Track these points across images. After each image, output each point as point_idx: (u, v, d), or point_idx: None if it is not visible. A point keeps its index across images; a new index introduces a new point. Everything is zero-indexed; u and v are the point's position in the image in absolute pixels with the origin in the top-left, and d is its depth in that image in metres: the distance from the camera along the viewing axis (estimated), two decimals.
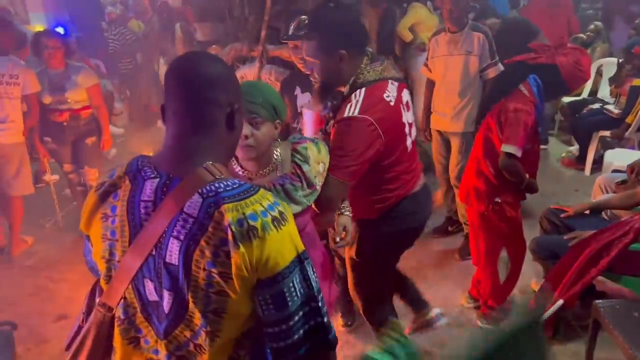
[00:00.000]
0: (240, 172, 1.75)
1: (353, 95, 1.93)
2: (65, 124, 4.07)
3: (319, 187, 1.80)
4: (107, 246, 1.12)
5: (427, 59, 3.79)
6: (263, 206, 1.04)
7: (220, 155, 1.14)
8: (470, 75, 3.49)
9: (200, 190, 1.04)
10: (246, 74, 3.65)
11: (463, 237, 3.77)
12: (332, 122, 2.01)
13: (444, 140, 3.76)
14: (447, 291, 3.34)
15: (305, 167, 1.76)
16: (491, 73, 3.43)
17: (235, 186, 1.06)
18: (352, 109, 1.88)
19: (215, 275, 1.02)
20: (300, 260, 1.07)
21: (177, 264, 1.04)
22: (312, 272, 1.10)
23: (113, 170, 1.16)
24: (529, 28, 3.70)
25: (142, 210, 1.08)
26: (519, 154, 2.54)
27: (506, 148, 2.55)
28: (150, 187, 1.09)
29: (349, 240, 2.07)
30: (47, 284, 3.66)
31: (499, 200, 2.72)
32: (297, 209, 1.73)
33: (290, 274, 1.05)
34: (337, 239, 2.03)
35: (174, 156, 1.11)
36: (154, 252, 1.06)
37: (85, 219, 1.17)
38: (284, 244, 1.05)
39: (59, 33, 4.32)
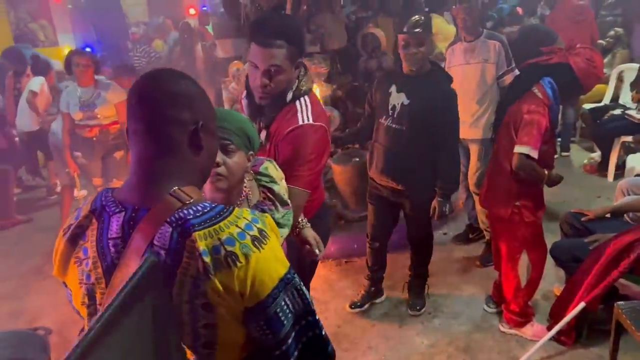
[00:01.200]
0: None
1: (297, 103, 1.92)
2: (94, 139, 4.23)
3: (290, 204, 1.71)
4: (85, 291, 1.05)
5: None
6: (240, 227, 0.97)
7: (190, 178, 1.05)
8: (487, 82, 3.53)
9: (169, 219, 0.96)
10: None
11: (484, 244, 3.78)
12: (265, 132, 1.97)
13: (463, 148, 3.80)
14: (469, 297, 3.36)
15: (275, 188, 1.66)
16: (508, 79, 3.46)
17: (206, 210, 0.98)
18: (305, 117, 1.88)
19: (199, 308, 0.94)
20: (288, 277, 1.00)
21: None
22: (301, 286, 1.03)
23: (78, 210, 1.09)
24: (546, 35, 3.76)
25: (112, 249, 1.00)
26: (534, 154, 2.56)
27: (521, 149, 2.57)
28: (116, 223, 1.01)
29: (322, 248, 1.94)
30: None
31: (519, 204, 2.74)
32: (285, 231, 1.65)
33: (281, 294, 0.98)
34: (317, 252, 1.88)
35: (137, 185, 1.03)
36: None
37: (57, 265, 1.09)
38: (268, 264, 0.97)
39: (89, 52, 4.50)
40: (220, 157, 1.45)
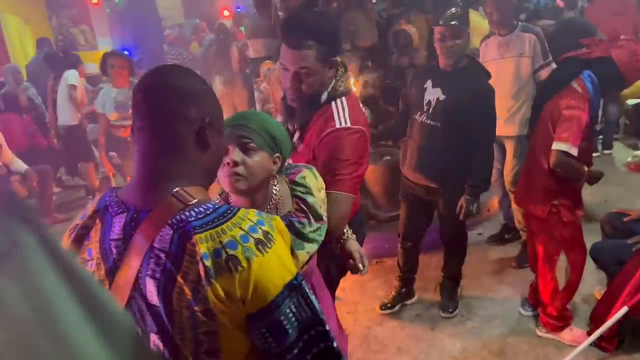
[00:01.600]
0: None
1: (333, 104, 1.82)
2: (129, 139, 4.31)
3: (325, 218, 1.57)
4: None
5: None
6: (243, 229, 0.92)
7: (195, 178, 1.01)
8: (522, 77, 3.42)
9: (170, 221, 0.93)
10: None
11: (520, 244, 3.65)
12: (298, 134, 1.89)
13: (498, 145, 3.69)
14: (503, 299, 3.25)
15: (310, 199, 1.52)
16: (544, 74, 3.35)
17: (208, 212, 0.94)
18: (342, 120, 1.78)
19: (199, 314, 0.90)
20: (295, 284, 0.95)
21: (158, 304, 0.93)
22: (310, 294, 0.98)
23: (85, 210, 1.08)
24: (585, 28, 3.62)
25: (114, 251, 0.98)
26: (573, 152, 2.45)
27: (559, 146, 2.47)
28: (118, 224, 0.99)
29: (367, 264, 1.78)
30: None
31: (557, 203, 2.63)
32: (314, 247, 1.51)
33: (285, 300, 0.93)
34: (361, 267, 1.75)
35: (140, 185, 1.01)
36: (134, 294, 0.95)
37: None
38: (272, 268, 0.92)
39: (123, 53, 4.59)
40: (239, 156, 1.39)
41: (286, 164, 1.57)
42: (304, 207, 1.51)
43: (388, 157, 3.90)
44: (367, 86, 4.10)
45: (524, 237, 3.55)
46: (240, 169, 1.38)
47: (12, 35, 9.71)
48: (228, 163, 1.37)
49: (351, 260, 1.74)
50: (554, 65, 3.32)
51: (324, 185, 1.60)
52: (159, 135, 0.99)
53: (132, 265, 0.94)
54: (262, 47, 5.41)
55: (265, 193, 1.48)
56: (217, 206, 0.96)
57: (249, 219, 0.95)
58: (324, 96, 1.82)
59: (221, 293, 0.89)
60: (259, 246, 0.92)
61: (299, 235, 1.47)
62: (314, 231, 1.51)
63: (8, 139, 5.26)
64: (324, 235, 1.54)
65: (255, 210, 0.99)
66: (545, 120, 2.60)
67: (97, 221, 1.02)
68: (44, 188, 5.41)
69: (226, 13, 10.36)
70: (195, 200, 0.96)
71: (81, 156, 5.82)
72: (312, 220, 1.51)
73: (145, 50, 9.29)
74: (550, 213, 2.64)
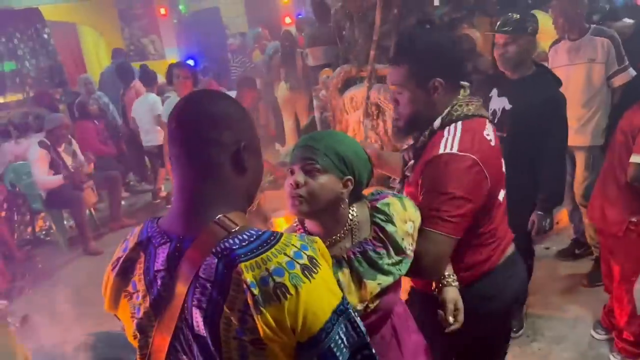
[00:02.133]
0: None
1: (447, 129, 1.58)
2: None
3: (410, 252, 1.43)
4: (136, 325, 1.02)
5: None
6: (288, 256, 0.91)
7: (235, 203, 1.01)
8: (594, 84, 3.21)
9: (214, 250, 0.92)
10: (355, 94, 3.69)
11: (592, 260, 3.43)
12: (411, 164, 1.68)
13: (568, 156, 3.48)
14: (573, 320, 3.05)
15: (389, 228, 1.40)
16: (619, 80, 3.13)
17: (252, 239, 0.93)
18: (448, 145, 1.52)
19: (248, 344, 0.89)
20: (342, 308, 0.93)
21: (205, 335, 0.92)
22: (356, 317, 0.96)
23: (126, 242, 1.08)
24: None
25: (159, 282, 0.98)
26: None
27: (637, 158, 2.30)
28: (162, 255, 0.98)
29: (461, 320, 1.54)
30: None
31: (635, 220, 2.44)
32: (388, 280, 1.38)
33: (334, 327, 0.91)
34: (450, 320, 1.52)
35: (182, 213, 1.00)
36: (181, 325, 0.95)
37: (108, 300, 1.07)
38: (320, 294, 0.91)
39: (187, 64, 4.72)
40: (302, 177, 1.35)
41: (374, 190, 1.51)
42: (382, 236, 1.40)
43: None
44: None
45: (596, 253, 3.33)
46: (302, 191, 1.35)
47: (88, 46, 10.30)
48: (291, 184, 1.35)
49: (440, 311, 1.53)
50: (631, 71, 3.09)
51: (416, 218, 1.46)
52: (195, 162, 0.99)
53: (178, 295, 0.94)
54: (321, 55, 5.40)
55: (335, 217, 1.41)
56: (260, 232, 0.95)
57: (293, 245, 0.93)
58: (437, 122, 1.60)
59: (271, 322, 0.87)
60: (306, 272, 0.90)
61: (372, 265, 1.37)
62: (392, 264, 1.39)
63: (83, 144, 5.57)
64: (404, 271, 1.42)
65: (298, 235, 0.98)
66: (624, 130, 2.43)
67: (141, 253, 1.03)
68: (114, 194, 5.67)
69: (288, 20, 10.47)
70: (238, 227, 0.95)
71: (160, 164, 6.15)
72: (392, 252, 1.39)
73: (210, 59, 9.58)
74: (627, 230, 2.45)
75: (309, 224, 1.47)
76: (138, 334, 1.03)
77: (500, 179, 1.65)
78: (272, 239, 0.94)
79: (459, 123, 1.57)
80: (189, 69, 4.40)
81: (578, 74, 3.26)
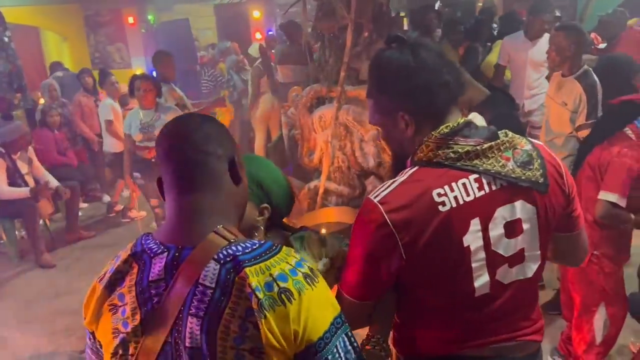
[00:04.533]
0: None
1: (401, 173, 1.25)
2: (153, 160, 4.29)
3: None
4: (119, 341, 0.97)
5: None
6: (290, 264, 0.93)
7: (230, 215, 1.03)
8: (566, 127, 3.21)
9: (215, 257, 0.92)
10: (324, 114, 3.68)
11: (554, 290, 3.46)
12: None
13: None
14: None
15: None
16: (583, 134, 3.04)
17: (255, 247, 0.95)
18: (377, 191, 1.21)
19: (245, 353, 0.88)
20: (339, 321, 0.95)
21: (199, 346, 0.89)
22: (352, 333, 0.97)
23: (117, 256, 1.04)
24: (630, 65, 3.40)
25: (153, 292, 0.95)
26: (622, 203, 2.27)
27: (606, 196, 2.29)
28: (159, 264, 0.96)
29: None
30: None
31: (598, 253, 2.46)
32: None
33: (334, 338, 0.92)
34: None
35: (180, 223, 1.00)
36: (169, 339, 0.93)
37: (91, 314, 1.02)
38: (321, 302, 0.93)
39: (151, 76, 4.63)
40: None
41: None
42: None
43: None
44: None
45: (557, 284, 3.36)
46: None
47: (51, 51, 10.02)
48: None
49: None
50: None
51: (337, 254, 1.36)
52: (192, 174, 1.00)
53: (173, 304, 0.92)
54: (291, 73, 5.40)
55: None
56: (261, 242, 0.97)
57: (294, 256, 0.96)
58: (408, 161, 1.29)
59: (275, 327, 0.87)
60: (308, 280, 0.92)
61: None
62: None
63: (40, 154, 5.35)
64: None
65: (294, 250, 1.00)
66: (592, 166, 2.43)
67: (134, 264, 1.00)
68: (72, 204, 5.46)
69: (258, 36, 10.47)
70: (238, 238, 0.97)
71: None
72: None
73: (179, 71, 9.42)
74: (590, 263, 2.48)
75: None
76: (120, 351, 0.97)
77: (457, 257, 1.19)
78: (274, 248, 0.96)
79: (412, 170, 1.22)
80: (152, 82, 4.32)
81: (554, 112, 3.28)
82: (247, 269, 0.90)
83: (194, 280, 0.91)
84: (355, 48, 3.64)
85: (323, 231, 1.46)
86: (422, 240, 1.15)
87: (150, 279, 0.96)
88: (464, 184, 1.18)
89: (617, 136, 2.38)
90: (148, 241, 1.01)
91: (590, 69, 3.14)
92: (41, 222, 5.20)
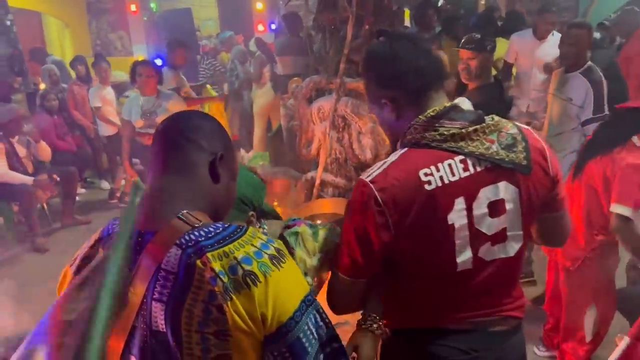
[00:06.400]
0: None
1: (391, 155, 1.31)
2: None
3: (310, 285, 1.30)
4: None
5: None
6: (256, 246, 0.91)
7: (199, 203, 1.00)
8: (569, 124, 3.28)
9: (177, 242, 0.91)
10: (323, 105, 3.71)
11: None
12: None
13: None
14: None
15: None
16: (591, 129, 3.03)
17: (218, 231, 0.93)
18: (369, 171, 1.28)
19: (210, 337, 0.87)
20: (310, 299, 0.94)
21: (165, 330, 0.89)
22: (323, 309, 0.97)
23: (88, 241, 1.06)
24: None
25: None
26: (635, 218, 2.11)
27: (617, 209, 2.14)
28: None
29: None
30: None
31: (590, 256, 2.46)
32: None
33: (303, 316, 0.91)
34: None
35: (146, 209, 0.99)
36: (136, 323, 0.92)
37: None
38: (289, 283, 0.92)
39: (153, 63, 4.65)
40: None
41: (290, 218, 1.44)
42: None
43: None
44: None
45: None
46: None
47: (52, 36, 10.01)
48: None
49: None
50: None
51: (330, 249, 1.38)
52: (172, 157, 1.02)
53: (136, 290, 0.91)
54: (291, 64, 5.42)
55: None
56: (225, 226, 0.95)
57: (259, 237, 0.95)
58: (399, 143, 1.36)
59: (241, 310, 0.86)
60: (274, 261, 0.91)
61: None
62: None
63: (41, 138, 5.37)
64: None
65: (262, 231, 0.99)
66: (593, 176, 2.32)
67: (100, 249, 1.00)
68: (69, 190, 5.48)
69: (260, 28, 10.48)
70: (202, 223, 0.95)
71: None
72: None
73: None
74: (582, 265, 2.48)
75: None
76: None
77: (440, 233, 1.24)
78: (238, 231, 0.94)
79: (402, 151, 1.28)
80: (153, 68, 4.34)
81: (558, 108, 3.28)
82: (209, 254, 0.89)
83: (156, 265, 0.90)
84: (356, 40, 3.66)
85: (318, 222, 1.49)
86: (410, 217, 1.21)
87: None
88: (449, 165, 1.23)
89: (626, 146, 2.20)
90: (115, 225, 1.02)
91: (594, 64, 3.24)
92: (39, 206, 5.23)
